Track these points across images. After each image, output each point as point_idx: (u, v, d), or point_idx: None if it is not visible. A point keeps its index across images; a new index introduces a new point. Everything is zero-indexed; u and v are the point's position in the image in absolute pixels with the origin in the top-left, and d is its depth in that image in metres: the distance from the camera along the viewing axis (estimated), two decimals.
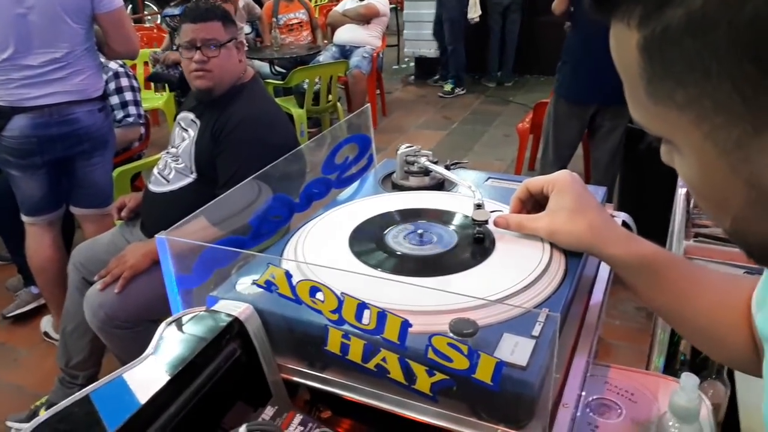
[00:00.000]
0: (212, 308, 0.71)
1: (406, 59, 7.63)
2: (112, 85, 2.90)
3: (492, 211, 0.84)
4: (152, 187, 2.03)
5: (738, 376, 1.36)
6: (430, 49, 6.84)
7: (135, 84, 3.01)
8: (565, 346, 0.72)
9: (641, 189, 3.12)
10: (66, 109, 2.21)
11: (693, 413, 0.65)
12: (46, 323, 2.72)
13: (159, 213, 1.99)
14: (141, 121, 3.00)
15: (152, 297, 1.73)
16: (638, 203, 3.06)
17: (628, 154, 3.15)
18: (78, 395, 0.56)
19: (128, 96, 2.94)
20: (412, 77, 7.32)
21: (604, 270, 0.89)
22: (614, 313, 2.67)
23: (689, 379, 0.66)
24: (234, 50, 1.94)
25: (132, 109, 2.94)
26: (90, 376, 2.19)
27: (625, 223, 1.03)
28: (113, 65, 2.94)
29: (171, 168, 2.00)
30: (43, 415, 0.53)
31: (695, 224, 1.49)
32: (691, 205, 1.55)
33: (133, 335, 1.86)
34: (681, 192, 1.60)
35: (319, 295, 0.64)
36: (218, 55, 1.89)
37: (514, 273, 0.74)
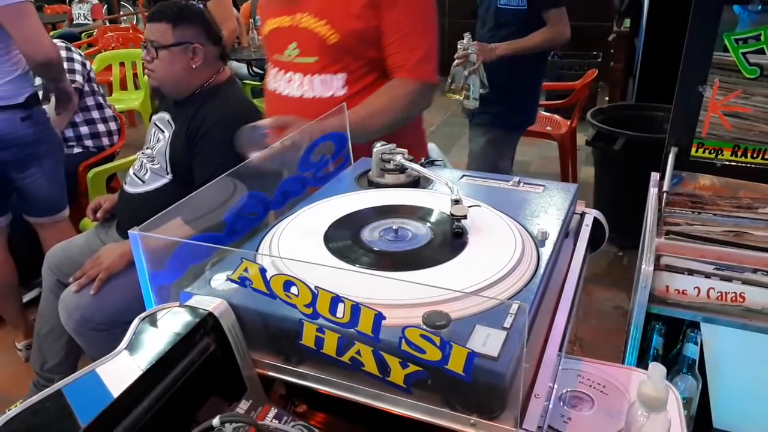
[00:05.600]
0: (186, 303, 0.71)
1: None
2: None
3: (470, 206, 0.85)
4: (128, 188, 2.01)
5: (709, 370, 1.39)
6: None
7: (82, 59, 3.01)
8: (536, 339, 0.73)
9: (616, 189, 3.17)
10: None
11: (661, 402, 0.67)
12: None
13: (135, 214, 1.97)
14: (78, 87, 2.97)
15: (128, 298, 1.71)
16: (613, 203, 3.11)
17: (602, 155, 3.19)
18: (50, 390, 0.56)
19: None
20: None
21: (576, 264, 0.91)
22: (591, 312, 2.70)
23: (657, 368, 0.68)
24: (183, 55, 1.89)
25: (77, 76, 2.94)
26: None
27: (596, 220, 1.05)
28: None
29: (146, 168, 1.98)
30: (15, 408, 0.53)
31: (667, 222, 1.52)
32: (663, 204, 1.58)
33: (109, 337, 1.84)
34: (653, 192, 1.64)
35: (294, 290, 0.64)
36: (158, 57, 1.88)
37: (486, 267, 0.75)
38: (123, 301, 1.78)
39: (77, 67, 2.96)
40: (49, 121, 2.42)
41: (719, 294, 1.34)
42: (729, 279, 1.34)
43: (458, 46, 2.55)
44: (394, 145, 1.05)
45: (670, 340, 1.47)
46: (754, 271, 1.33)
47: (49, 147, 2.36)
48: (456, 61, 2.53)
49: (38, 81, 2.53)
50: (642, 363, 1.43)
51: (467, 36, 2.55)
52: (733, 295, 1.33)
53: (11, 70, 2.17)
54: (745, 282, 1.33)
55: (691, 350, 1.37)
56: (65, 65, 2.79)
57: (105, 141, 3.09)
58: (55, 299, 1.94)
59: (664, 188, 1.60)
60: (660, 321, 1.46)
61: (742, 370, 1.36)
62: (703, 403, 1.40)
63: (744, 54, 1.51)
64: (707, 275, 1.36)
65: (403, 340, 0.61)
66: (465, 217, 0.84)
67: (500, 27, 2.59)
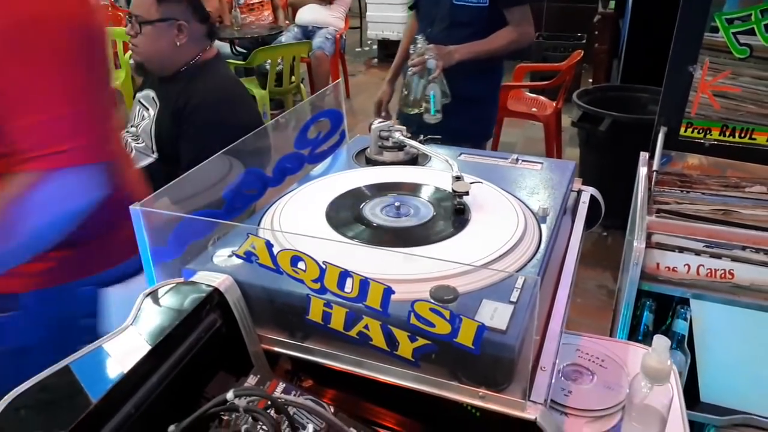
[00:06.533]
0: (191, 279, 0.71)
1: (369, 42, 7.59)
2: None
3: (472, 183, 0.85)
4: None
5: (698, 346, 1.41)
6: (394, 32, 6.82)
7: None
8: (540, 313, 0.74)
9: (601, 169, 3.19)
10: None
11: (665, 374, 0.68)
12: None
13: None
14: None
15: None
16: (598, 183, 3.13)
17: (588, 135, 3.21)
18: (57, 366, 0.55)
19: None
20: (376, 60, 7.29)
21: (575, 241, 0.91)
22: (576, 291, 2.72)
23: (661, 341, 0.69)
24: (168, 32, 1.83)
25: None
26: None
27: (593, 198, 1.06)
28: None
29: (131, 147, 1.95)
30: (22, 385, 0.52)
31: (657, 201, 1.54)
32: (653, 183, 1.60)
33: None
34: (643, 171, 1.65)
35: (301, 265, 0.64)
36: (142, 33, 1.84)
37: (490, 243, 0.75)
38: None
39: None
40: None
41: (709, 271, 1.36)
42: (718, 256, 1.36)
43: (410, 51, 2.11)
44: (392, 122, 1.04)
45: (660, 316, 1.49)
46: (743, 248, 1.35)
47: None
48: (411, 70, 2.07)
49: None
50: (632, 339, 1.45)
51: (420, 38, 2.07)
52: (722, 271, 1.35)
53: None
54: (734, 259, 1.35)
55: (680, 326, 1.39)
56: None
57: None
58: None
59: (654, 167, 1.61)
60: (650, 298, 1.48)
61: (729, 345, 1.38)
62: (692, 377, 1.42)
63: (735, 34, 1.52)
64: (697, 252, 1.38)
65: (413, 314, 0.61)
66: (467, 193, 0.84)
67: (456, 27, 2.15)
